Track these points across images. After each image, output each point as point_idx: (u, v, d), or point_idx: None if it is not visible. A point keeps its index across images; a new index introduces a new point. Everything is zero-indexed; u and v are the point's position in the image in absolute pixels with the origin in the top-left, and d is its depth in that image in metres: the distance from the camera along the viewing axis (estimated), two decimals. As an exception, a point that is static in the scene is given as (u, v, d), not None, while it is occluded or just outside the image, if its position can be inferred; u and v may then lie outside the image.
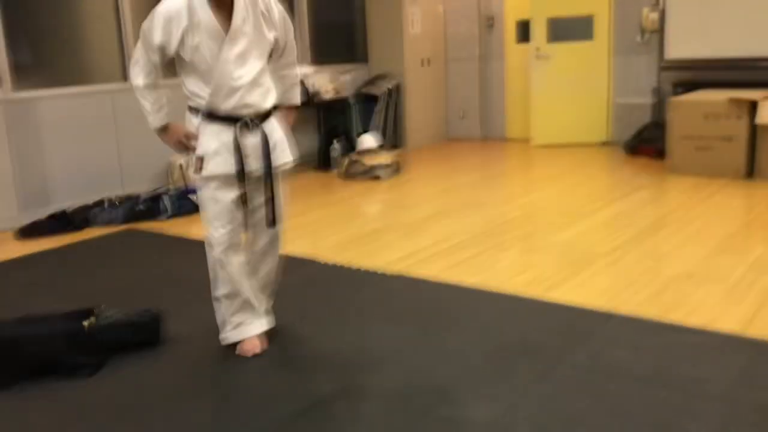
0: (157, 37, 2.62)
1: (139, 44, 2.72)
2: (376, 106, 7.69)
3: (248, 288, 2.88)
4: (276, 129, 2.85)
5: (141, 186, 5.71)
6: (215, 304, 2.92)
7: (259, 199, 2.84)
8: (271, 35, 2.76)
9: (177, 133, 2.79)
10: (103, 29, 5.67)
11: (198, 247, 2.99)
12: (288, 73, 2.97)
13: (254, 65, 2.70)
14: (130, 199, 5.32)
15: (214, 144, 2.71)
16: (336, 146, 6.88)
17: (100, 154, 5.53)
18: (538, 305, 3.27)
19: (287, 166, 2.91)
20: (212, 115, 2.71)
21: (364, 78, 8.00)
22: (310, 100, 6.80)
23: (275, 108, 2.87)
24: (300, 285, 3.67)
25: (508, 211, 5.16)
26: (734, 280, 3.46)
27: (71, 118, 5.37)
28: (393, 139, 7.98)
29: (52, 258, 4.38)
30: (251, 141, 2.74)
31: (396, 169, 6.57)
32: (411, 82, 8.03)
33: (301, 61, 7.18)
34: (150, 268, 4.10)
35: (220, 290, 2.86)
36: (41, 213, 5.08)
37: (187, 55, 2.64)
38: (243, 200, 2.76)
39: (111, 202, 5.25)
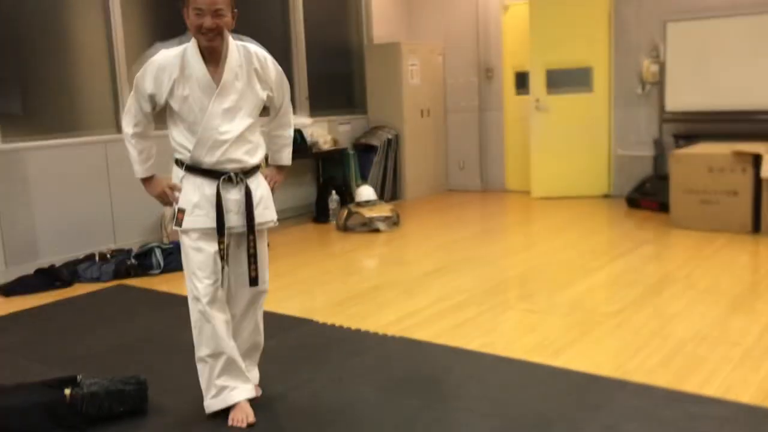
0: (149, 86, 2.61)
1: (132, 93, 2.71)
2: (375, 157, 7.62)
3: (233, 348, 2.75)
4: (261, 186, 2.80)
5: (133, 238, 5.58)
6: (199, 366, 2.76)
7: (238, 257, 2.76)
8: (264, 93, 2.73)
9: (161, 184, 2.75)
10: (96, 78, 5.61)
11: (188, 306, 2.84)
12: (282, 133, 2.93)
13: (242, 122, 2.66)
14: (121, 253, 5.17)
15: (196, 197, 2.67)
16: (334, 197, 6.77)
17: (91, 206, 5.40)
18: (545, 371, 3.11)
19: (269, 225, 2.84)
20: (195, 168, 2.66)
21: (362, 128, 7.95)
22: (308, 150, 6.72)
23: (259, 167, 2.82)
24: (293, 348, 3.51)
25: (509, 266, 5.02)
26: (749, 344, 3.30)
27: (62, 169, 5.25)
28: (392, 191, 7.89)
29: (38, 317, 4.22)
30: (234, 196, 2.69)
31: (395, 221, 6.46)
32: (410, 133, 7.98)
33: (299, 111, 7.18)
34: (139, 328, 3.93)
35: (204, 349, 2.72)
36: (28, 268, 4.93)
37: (176, 105, 2.62)
38: (222, 256, 2.67)
39: (102, 256, 5.11)
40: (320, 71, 7.56)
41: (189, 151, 2.65)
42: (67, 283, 4.82)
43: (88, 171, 5.39)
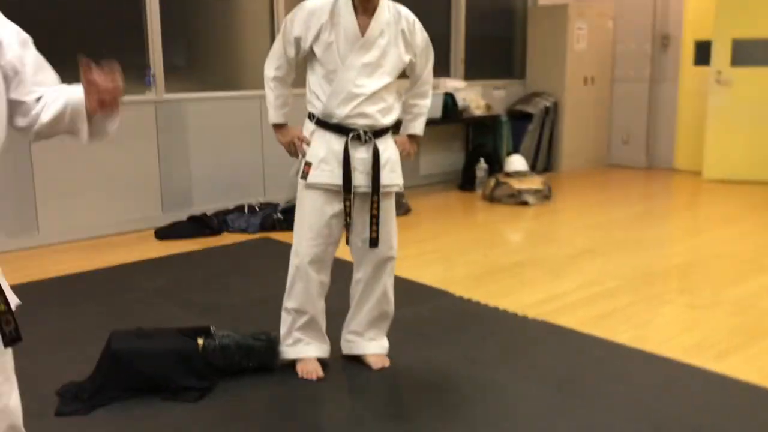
0: (297, 29, 2.61)
1: (279, 36, 2.70)
2: (530, 125, 7.24)
3: (319, 309, 2.77)
4: (390, 148, 2.74)
5: (281, 193, 5.66)
6: (283, 314, 2.80)
7: (363, 218, 2.70)
8: (406, 57, 2.68)
9: (291, 134, 2.74)
10: (256, 36, 5.69)
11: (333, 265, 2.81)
12: (418, 102, 2.86)
13: (380, 79, 2.62)
14: (269, 207, 5.27)
15: (323, 152, 2.64)
16: (482, 166, 6.51)
17: (244, 160, 5.53)
18: (703, 376, 2.75)
19: (394, 189, 2.76)
20: (326, 123, 2.64)
21: (518, 95, 7.58)
22: (459, 115, 6.49)
23: (395, 130, 2.77)
24: (426, 320, 3.36)
25: (670, 255, 4.55)
26: None
27: (219, 122, 5.41)
28: (545, 162, 7.48)
29: (185, 262, 4.38)
30: (361, 154, 2.65)
31: (546, 194, 6.10)
32: (570, 102, 7.50)
33: (453, 74, 6.93)
34: (278, 283, 3.94)
35: (291, 302, 2.76)
36: (182, 215, 5.14)
37: (318, 50, 2.59)
38: (347, 213, 2.65)
39: (251, 208, 5.23)
40: (479, 33, 7.25)
41: (322, 102, 2.63)
42: (216, 232, 4.98)
43: (243, 125, 5.51)
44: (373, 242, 2.70)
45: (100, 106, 1.47)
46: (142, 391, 2.58)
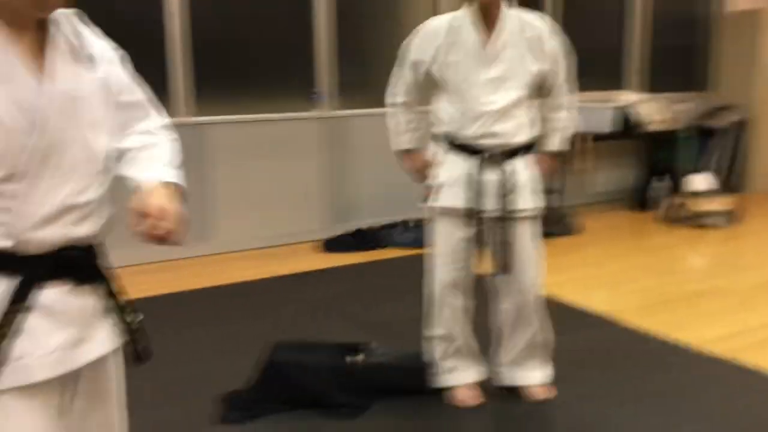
0: (414, 53, 2.59)
1: (398, 62, 2.69)
2: (714, 142, 6.64)
3: (463, 334, 2.69)
4: (523, 170, 2.56)
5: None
6: (430, 342, 2.74)
7: (497, 243, 2.57)
8: (534, 67, 2.51)
9: (418, 160, 2.69)
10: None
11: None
12: (553, 116, 2.67)
13: (509, 94, 2.48)
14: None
15: (450, 174, 2.55)
16: (659, 184, 6.06)
17: (404, 176, 5.54)
18: None
19: (530, 213, 2.59)
20: (454, 144, 2.55)
21: (702, 109, 6.99)
22: (634, 129, 6.10)
23: (530, 148, 2.61)
24: (588, 350, 3.15)
25: None
26: None
27: (383, 138, 5.46)
28: (732, 182, 6.82)
29: (349, 275, 4.45)
30: (492, 177, 2.51)
31: (732, 217, 5.56)
32: (763, 116, 6.80)
33: (627, 87, 6.55)
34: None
35: (434, 330, 2.71)
36: (348, 227, 5.25)
37: (440, 72, 2.53)
38: (477, 240, 2.54)
39: (416, 223, 5.24)
40: (657, 43, 6.79)
41: (448, 123, 2.55)
42: (380, 246, 5.03)
43: (408, 140, 5.54)
44: (505, 269, 2.58)
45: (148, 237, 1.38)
46: (300, 405, 2.62)
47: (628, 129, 6.00)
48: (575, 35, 2.66)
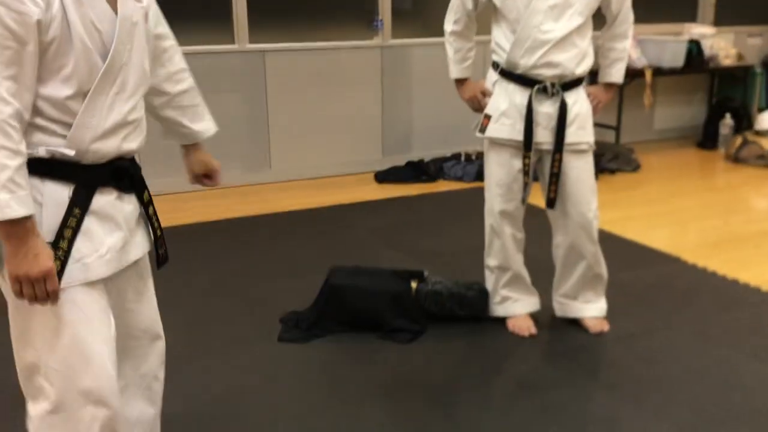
0: None
1: None
2: (789, 78, 6.30)
3: (520, 263, 2.68)
4: (580, 101, 2.50)
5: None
6: (486, 272, 2.74)
7: (546, 175, 2.54)
8: None
9: (473, 88, 2.62)
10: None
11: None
12: (615, 45, 2.57)
13: (570, 21, 2.37)
14: (486, 156, 5.16)
15: (504, 104, 2.50)
16: (727, 122, 5.82)
17: (463, 108, 5.40)
18: None
19: (583, 147, 2.51)
20: (509, 73, 2.48)
21: (776, 43, 6.62)
22: (704, 64, 5.82)
23: (583, 79, 2.53)
24: (652, 287, 3.09)
25: None
26: None
27: (441, 68, 5.32)
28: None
29: (402, 206, 4.43)
30: (546, 109, 2.46)
31: (803, 157, 5.31)
32: (842, 52, 6.41)
33: (700, 19, 6.22)
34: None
35: (491, 260, 2.70)
36: (401, 159, 5.20)
37: (500, 1, 2.44)
38: (525, 172, 2.50)
39: (467, 157, 5.16)
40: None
41: (506, 52, 2.46)
42: (432, 178, 4.98)
43: (465, 71, 5.40)
44: (550, 203, 2.55)
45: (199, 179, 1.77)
46: (356, 327, 2.66)
47: (695, 63, 5.74)
48: None
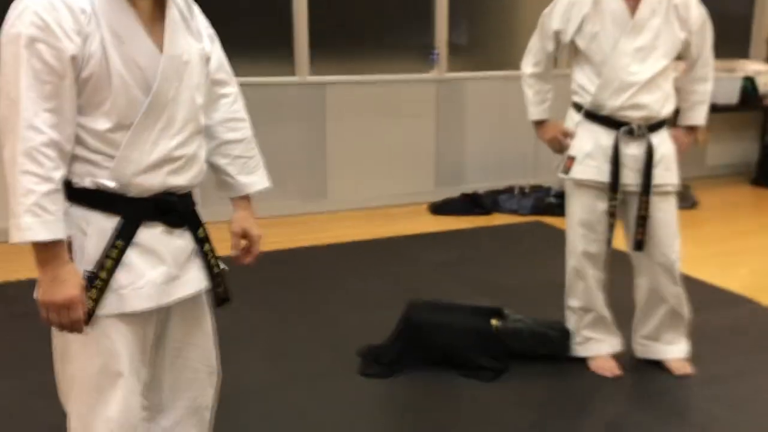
0: (555, 23, 2.52)
1: (536, 32, 2.63)
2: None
3: (603, 304, 2.64)
4: (665, 142, 2.50)
5: (552, 178, 5.50)
6: (567, 312, 2.72)
7: (631, 217, 2.53)
8: (681, 34, 2.42)
9: (554, 129, 2.62)
10: (537, 16, 5.53)
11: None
12: (697, 88, 2.56)
13: (656, 63, 2.39)
14: (540, 190, 5.15)
15: (589, 146, 2.50)
16: (781, 160, 5.76)
17: (516, 140, 5.45)
18: None
19: (669, 189, 2.52)
20: (594, 114, 2.49)
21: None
22: (759, 101, 5.79)
23: (671, 121, 2.55)
24: (727, 329, 3.05)
25: None
26: None
27: (495, 101, 5.38)
28: None
29: (460, 239, 4.43)
30: (632, 151, 2.46)
31: None
32: None
33: (753, 56, 6.20)
34: (553, 269, 3.83)
35: (573, 301, 2.68)
36: (454, 191, 5.21)
37: (583, 42, 2.47)
38: (611, 213, 2.49)
39: (521, 190, 5.16)
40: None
41: (590, 94, 2.47)
42: (486, 211, 4.98)
43: (518, 105, 5.35)
44: (638, 245, 2.52)
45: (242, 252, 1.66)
46: (438, 364, 2.64)
47: (750, 100, 5.71)
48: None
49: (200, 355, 1.62)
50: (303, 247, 4.14)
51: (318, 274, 3.71)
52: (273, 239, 4.17)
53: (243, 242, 1.65)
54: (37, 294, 1.35)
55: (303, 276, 3.68)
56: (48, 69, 1.28)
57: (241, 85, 1.68)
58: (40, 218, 1.27)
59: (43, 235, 1.28)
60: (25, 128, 1.27)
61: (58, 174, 1.30)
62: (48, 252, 1.31)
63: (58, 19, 1.28)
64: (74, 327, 1.35)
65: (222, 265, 1.59)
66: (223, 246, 1.64)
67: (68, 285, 1.32)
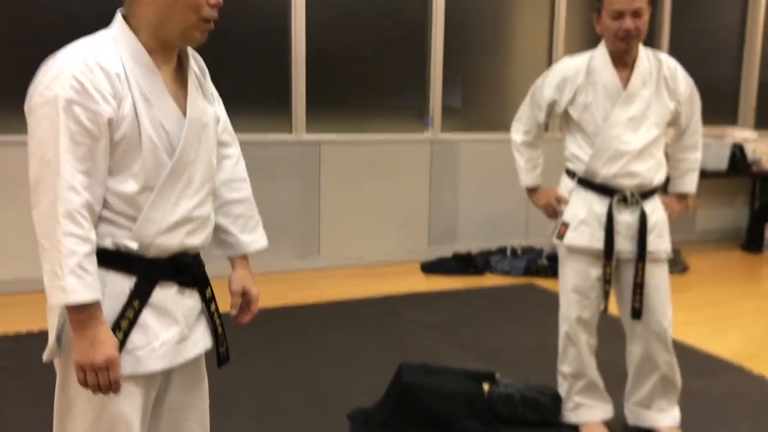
0: (548, 94, 2.57)
1: (526, 100, 2.69)
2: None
3: (595, 370, 2.65)
4: (658, 210, 2.54)
5: (544, 240, 5.54)
6: (559, 378, 2.70)
7: (625, 284, 2.55)
8: (671, 105, 2.49)
9: (547, 195, 2.65)
10: (531, 79, 5.66)
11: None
12: (687, 156, 2.63)
13: (648, 132, 2.46)
14: (533, 252, 5.17)
15: (583, 213, 2.53)
16: (770, 225, 5.83)
17: (508, 201, 5.51)
18: None
19: (662, 256, 2.54)
20: (588, 182, 2.52)
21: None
22: (747, 168, 5.89)
23: (662, 188, 2.59)
24: (721, 397, 3.02)
25: None
26: None
27: (487, 162, 5.45)
28: None
29: (452, 300, 4.42)
30: (626, 218, 2.49)
31: None
32: None
33: (742, 123, 6.34)
34: (546, 333, 3.82)
35: (565, 366, 2.66)
36: (447, 250, 5.24)
37: (576, 113, 2.52)
38: (607, 281, 2.51)
39: (513, 251, 5.18)
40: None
41: (583, 162, 2.52)
42: (479, 272, 4.99)
43: (510, 167, 5.46)
44: (636, 313, 2.52)
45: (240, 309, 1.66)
46: (428, 427, 2.61)
47: (739, 167, 5.81)
48: (690, 68, 2.64)
49: (197, 416, 1.61)
50: (293, 305, 4.12)
51: (308, 333, 3.69)
52: (264, 296, 4.08)
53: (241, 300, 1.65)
54: (75, 356, 1.33)
55: (293, 334, 3.66)
56: (84, 131, 1.30)
57: (239, 142, 1.71)
58: (82, 279, 1.28)
59: (87, 296, 1.29)
60: (65, 189, 1.28)
61: (93, 234, 1.32)
62: (86, 313, 1.31)
63: (94, 82, 1.30)
64: (112, 388, 1.35)
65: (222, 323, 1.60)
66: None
67: (107, 346, 1.32)
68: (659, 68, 2.49)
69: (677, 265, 5.16)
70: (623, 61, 2.47)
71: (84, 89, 1.30)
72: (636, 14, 2.38)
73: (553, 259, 5.01)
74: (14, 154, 4.02)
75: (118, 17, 1.41)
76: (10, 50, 4.15)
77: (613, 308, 2.61)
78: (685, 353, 3.47)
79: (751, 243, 5.92)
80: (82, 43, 1.37)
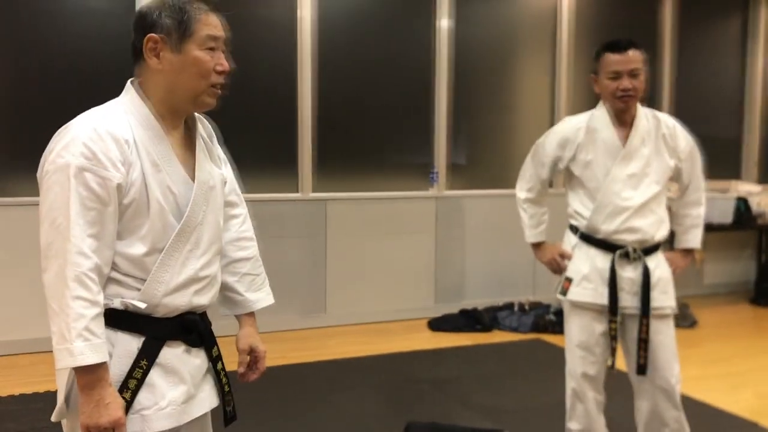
0: (551, 151, 2.62)
1: (529, 158, 2.73)
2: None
3: (603, 426, 2.60)
4: (661, 266, 2.54)
5: (551, 294, 5.52)
6: None
7: (632, 342, 2.52)
8: (671, 162, 2.53)
9: (552, 251, 2.66)
10: (536, 136, 5.72)
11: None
12: (690, 212, 2.65)
13: (648, 189, 2.48)
14: (540, 307, 5.15)
15: (586, 268, 2.52)
16: (778, 279, 5.79)
17: (515, 257, 5.50)
18: None
19: (667, 311, 2.53)
20: (590, 238, 2.53)
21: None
22: (753, 221, 5.89)
23: (667, 244, 2.60)
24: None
25: None
26: None
27: (493, 218, 5.48)
28: None
29: (459, 356, 4.38)
30: (629, 274, 2.49)
31: None
32: None
33: (745, 177, 6.37)
34: (555, 390, 3.77)
35: (574, 424, 2.60)
36: (454, 307, 5.21)
37: (577, 170, 2.56)
38: (613, 337, 2.49)
39: (521, 307, 5.15)
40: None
41: (585, 218, 2.54)
42: (486, 328, 4.96)
43: (516, 223, 5.49)
44: (641, 369, 2.50)
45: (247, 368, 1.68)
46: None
47: (744, 220, 5.81)
48: (693, 123, 2.69)
49: None
50: (299, 363, 4.09)
51: (314, 392, 3.65)
52: (270, 354, 4.07)
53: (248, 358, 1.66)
54: (81, 418, 1.33)
55: (299, 393, 3.62)
56: (94, 196, 1.33)
57: (246, 201, 1.74)
58: (89, 342, 1.30)
59: (94, 359, 1.30)
60: (75, 253, 1.31)
61: (102, 297, 1.34)
62: (93, 375, 1.32)
63: (104, 149, 1.35)
64: None
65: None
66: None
67: (112, 408, 1.33)
68: (658, 126, 2.54)
69: (686, 319, 5.12)
70: (622, 120, 2.52)
71: (94, 156, 1.34)
72: (632, 74, 2.44)
73: (561, 314, 4.98)
74: (24, 215, 4.08)
75: (129, 85, 1.47)
76: (22, 115, 4.25)
77: (622, 363, 2.59)
78: (696, 409, 3.42)
79: (759, 297, 5.87)
80: (93, 112, 1.42)
